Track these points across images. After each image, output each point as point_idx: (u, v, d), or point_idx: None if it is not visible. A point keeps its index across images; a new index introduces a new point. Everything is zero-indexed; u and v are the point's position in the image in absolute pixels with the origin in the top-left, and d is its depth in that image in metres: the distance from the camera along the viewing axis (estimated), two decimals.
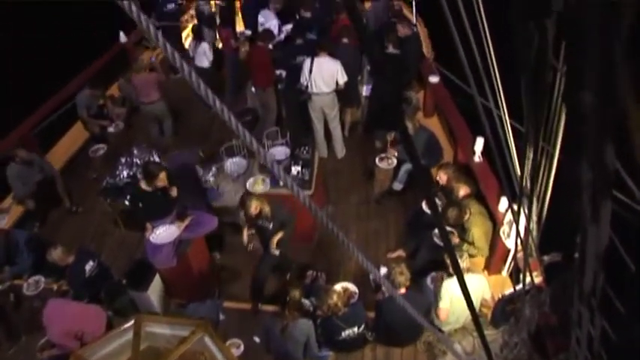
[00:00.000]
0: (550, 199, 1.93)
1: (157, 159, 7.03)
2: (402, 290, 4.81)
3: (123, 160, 7.17)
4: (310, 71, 7.23)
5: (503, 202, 5.38)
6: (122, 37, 10.44)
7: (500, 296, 5.00)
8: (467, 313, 4.64)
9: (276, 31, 9.14)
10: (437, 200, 5.97)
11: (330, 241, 6.44)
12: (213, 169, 7.23)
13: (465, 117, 7.00)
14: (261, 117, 8.47)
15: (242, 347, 5.23)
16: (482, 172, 6.04)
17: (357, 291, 5.65)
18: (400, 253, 6.25)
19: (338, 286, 5.54)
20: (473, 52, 1.78)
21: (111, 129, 8.60)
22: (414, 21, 9.38)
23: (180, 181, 5.87)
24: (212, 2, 10.77)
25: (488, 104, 1.89)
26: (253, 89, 8.37)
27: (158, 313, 5.63)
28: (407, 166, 6.93)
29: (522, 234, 2.22)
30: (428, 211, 5.65)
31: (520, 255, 4.72)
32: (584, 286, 1.49)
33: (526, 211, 1.97)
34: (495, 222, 5.54)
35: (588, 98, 1.08)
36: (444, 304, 4.94)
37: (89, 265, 5.68)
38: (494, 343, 3.87)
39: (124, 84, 9.27)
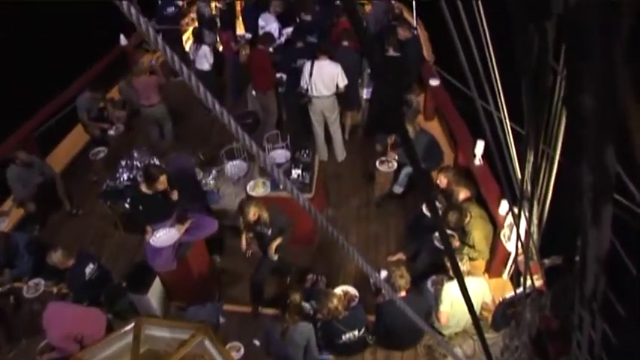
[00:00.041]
0: (551, 202, 1.93)
1: (156, 162, 7.03)
2: (403, 293, 4.81)
3: (123, 162, 7.18)
4: (310, 74, 7.24)
5: (504, 205, 5.38)
6: (122, 40, 10.45)
7: (500, 299, 4.98)
8: (467, 316, 4.63)
9: (276, 35, 9.16)
10: (437, 203, 5.96)
11: (330, 244, 6.43)
12: (214, 172, 7.24)
13: (466, 120, 7.01)
14: (261, 120, 8.47)
15: (242, 350, 5.22)
16: (483, 175, 6.04)
17: (357, 294, 5.64)
18: (400, 256, 6.24)
19: (338, 290, 5.54)
20: (473, 55, 1.78)
21: (111, 132, 8.60)
22: (415, 24, 9.41)
23: (178, 184, 5.87)
24: (212, 5, 10.78)
25: (489, 107, 1.88)
26: (254, 92, 8.38)
27: (158, 316, 5.62)
28: (407, 170, 6.93)
29: (523, 237, 2.21)
30: (428, 214, 5.64)
31: (521, 258, 4.71)
32: (585, 290, 1.49)
33: (527, 214, 1.97)
34: (496, 225, 5.53)
35: (589, 101, 1.08)
36: (444, 308, 4.93)
37: (89, 268, 5.67)
38: (494, 347, 3.86)
39: (125, 87, 9.27)
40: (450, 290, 4.88)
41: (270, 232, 5.67)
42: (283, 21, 9.58)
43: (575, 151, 1.28)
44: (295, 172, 6.48)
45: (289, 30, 9.40)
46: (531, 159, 1.75)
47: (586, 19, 1.00)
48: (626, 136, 1.05)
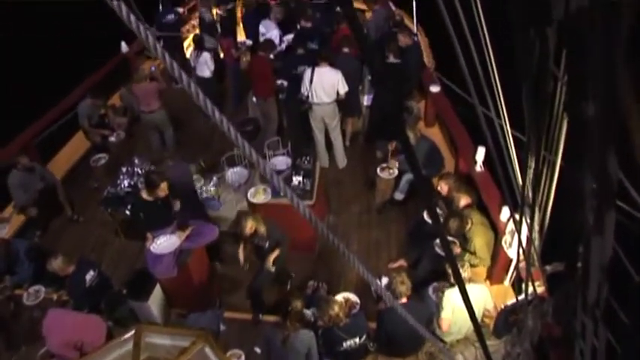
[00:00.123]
0: (552, 208, 1.92)
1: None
2: (404, 300, 4.79)
3: (124, 169, 7.19)
4: (311, 81, 7.25)
5: (505, 212, 5.37)
6: (124, 47, 10.50)
7: (502, 306, 4.96)
8: (469, 323, 4.61)
9: (277, 41, 9.18)
10: (438, 210, 5.95)
11: (331, 251, 6.40)
12: (215, 179, 7.24)
13: (466, 126, 7.01)
14: (262, 127, 8.47)
15: (243, 358, 5.21)
16: (484, 182, 6.03)
17: (358, 301, 5.62)
18: (402, 262, 6.22)
19: (339, 297, 5.52)
20: (474, 62, 1.78)
21: (112, 138, 8.60)
22: (415, 30, 9.42)
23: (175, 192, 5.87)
24: (213, 11, 10.82)
25: (490, 113, 1.88)
26: (254, 99, 8.39)
27: (158, 324, 5.61)
28: (408, 176, 6.93)
29: (524, 243, 2.20)
30: (429, 220, 5.63)
31: (522, 264, 4.69)
32: (588, 298, 1.48)
33: (528, 220, 1.96)
34: (497, 231, 5.52)
35: (590, 107, 1.08)
36: (445, 315, 4.91)
37: (89, 275, 5.66)
38: (496, 354, 3.86)
39: (126, 93, 9.30)
40: (452, 297, 4.86)
41: (267, 244, 5.65)
42: (284, 28, 9.60)
43: (576, 157, 1.27)
44: (296, 179, 6.48)
45: (290, 37, 9.42)
46: (532, 165, 1.74)
47: (587, 24, 1.00)
48: (626, 137, 1.05)
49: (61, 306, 5.68)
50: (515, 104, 1.67)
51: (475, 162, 6.22)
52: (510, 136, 1.99)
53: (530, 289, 2.31)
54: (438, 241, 5.46)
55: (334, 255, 6.43)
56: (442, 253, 5.29)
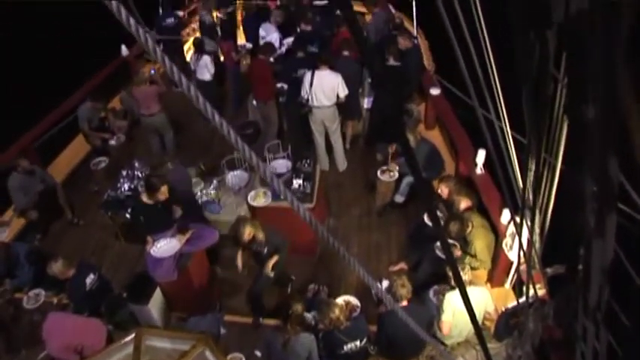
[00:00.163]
0: (553, 210, 1.92)
1: None
2: (404, 303, 4.78)
3: (124, 172, 7.18)
4: (311, 84, 7.25)
5: (506, 214, 5.36)
6: (124, 51, 10.51)
7: (503, 309, 4.96)
8: (470, 326, 4.61)
9: (277, 44, 9.20)
10: (438, 213, 5.95)
11: (332, 254, 6.41)
12: (215, 182, 7.24)
13: (467, 129, 7.01)
14: (262, 130, 8.48)
15: None
16: (484, 184, 6.03)
17: (359, 304, 5.61)
18: (402, 265, 6.21)
19: (340, 300, 5.51)
20: (474, 64, 1.77)
21: (112, 142, 8.60)
22: (415, 33, 9.44)
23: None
24: (214, 14, 10.84)
25: (490, 116, 1.88)
26: (254, 102, 8.40)
27: (159, 327, 5.59)
28: (408, 179, 6.92)
29: (525, 246, 2.20)
30: (430, 223, 5.63)
31: (523, 267, 4.69)
32: (589, 300, 1.47)
33: (529, 222, 1.96)
34: (498, 234, 5.52)
35: (590, 110, 1.08)
36: (446, 317, 4.90)
37: (90, 279, 5.65)
38: (497, 357, 3.85)
39: (126, 97, 9.30)
40: (452, 300, 4.85)
41: (265, 250, 5.63)
42: (284, 31, 9.62)
43: (577, 159, 1.27)
44: (296, 182, 6.48)
45: (290, 40, 9.43)
46: (533, 167, 1.74)
47: (587, 27, 1.00)
48: (626, 138, 1.05)
49: (61, 309, 5.67)
50: (515, 106, 1.67)
51: (475, 164, 6.22)
52: (510, 138, 1.99)
53: (531, 292, 2.30)
54: (438, 243, 5.45)
55: (335, 258, 6.43)
56: (443, 256, 5.28)
